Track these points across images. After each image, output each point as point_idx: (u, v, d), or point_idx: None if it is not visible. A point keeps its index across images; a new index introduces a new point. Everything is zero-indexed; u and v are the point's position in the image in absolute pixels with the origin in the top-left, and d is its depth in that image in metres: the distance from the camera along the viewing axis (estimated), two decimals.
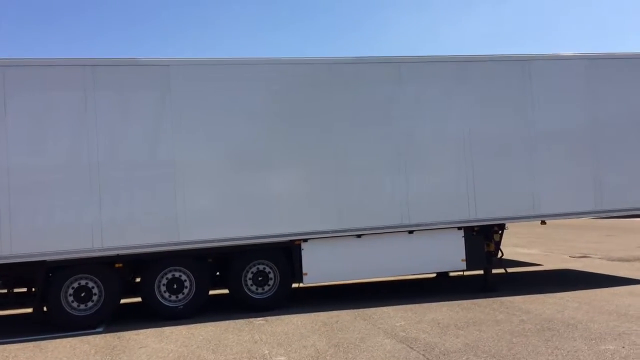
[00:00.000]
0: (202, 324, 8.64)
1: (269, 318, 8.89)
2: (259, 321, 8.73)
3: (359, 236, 9.78)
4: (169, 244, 9.00)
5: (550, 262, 14.36)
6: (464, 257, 10.17)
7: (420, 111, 10.10)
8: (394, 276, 10.31)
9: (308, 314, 8.99)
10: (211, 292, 9.64)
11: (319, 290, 11.06)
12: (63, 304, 8.81)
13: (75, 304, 8.87)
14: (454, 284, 11.70)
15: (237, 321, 8.75)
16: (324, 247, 9.65)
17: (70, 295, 8.86)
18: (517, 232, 22.77)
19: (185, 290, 9.25)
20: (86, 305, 8.91)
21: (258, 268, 9.58)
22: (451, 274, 12.16)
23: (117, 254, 8.87)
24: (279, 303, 9.59)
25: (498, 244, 10.63)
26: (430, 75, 10.23)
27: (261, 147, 9.46)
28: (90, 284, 8.93)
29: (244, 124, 9.43)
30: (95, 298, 8.93)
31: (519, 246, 18.43)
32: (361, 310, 9.15)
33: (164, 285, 9.19)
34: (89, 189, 8.77)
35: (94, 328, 8.78)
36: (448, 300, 9.56)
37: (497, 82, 10.44)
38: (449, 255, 10.14)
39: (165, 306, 9.15)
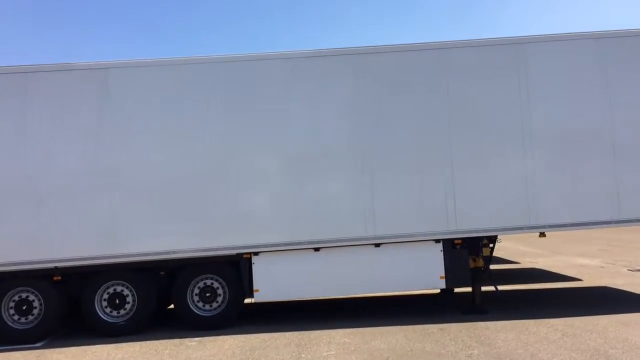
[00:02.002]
0: (130, 344, 8.26)
1: (204, 339, 8.33)
2: (192, 342, 8.20)
3: (316, 249, 8.94)
4: (107, 257, 8.70)
5: (600, 276, 12.56)
6: (443, 274, 8.99)
7: (388, 106, 9.05)
8: (359, 294, 9.34)
9: (245, 336, 8.33)
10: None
11: (289, 304, 10.33)
12: (4, 316, 8.79)
13: (16, 317, 8.82)
14: (453, 302, 10.45)
15: (169, 341, 8.28)
16: (277, 261, 8.91)
17: (11, 308, 8.82)
18: (592, 239, 20.70)
19: (128, 306, 8.91)
20: (26, 319, 8.83)
21: (205, 283, 9.03)
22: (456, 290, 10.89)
23: (55, 267, 8.71)
24: (229, 321, 8.99)
25: (488, 259, 9.32)
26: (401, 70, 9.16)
27: (208, 153, 8.89)
28: (31, 297, 8.84)
29: (190, 128, 8.91)
30: (35, 312, 8.83)
31: (582, 255, 16.51)
32: (308, 332, 8.36)
33: (104, 300, 8.90)
34: (26, 198, 8.67)
35: (34, 343, 8.69)
36: (416, 324, 8.50)
37: (483, 72, 9.14)
38: (424, 272, 9.00)
39: (106, 322, 8.86)
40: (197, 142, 8.87)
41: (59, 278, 8.81)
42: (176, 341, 8.28)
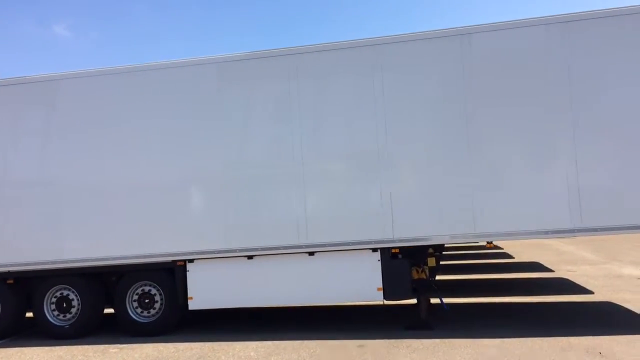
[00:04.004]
0: (59, 347, 8.68)
1: (130, 346, 8.56)
2: (114, 349, 8.45)
3: (250, 257, 8.82)
4: (53, 262, 9.18)
5: (622, 289, 11.24)
6: (380, 286, 8.50)
7: (323, 109, 8.73)
8: (295, 304, 9.03)
9: (166, 344, 8.48)
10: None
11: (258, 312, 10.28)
12: None
13: None
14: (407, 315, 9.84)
15: (96, 347, 8.62)
16: (211, 269, 8.92)
17: None
18: None
19: (73, 310, 9.34)
20: None
21: (144, 290, 9.25)
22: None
23: (8, 271, 9.33)
24: (166, 328, 9.15)
25: (434, 269, 8.68)
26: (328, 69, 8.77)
27: (143, 161, 9.07)
28: None
29: (128, 137, 9.15)
30: None
31: (630, 263, 14.87)
32: (224, 343, 8.35)
33: (52, 303, 9.40)
34: None
35: None
36: (339, 339, 8.18)
37: (427, 68, 8.53)
38: (361, 283, 8.55)
39: (53, 325, 9.37)
40: (134, 151, 9.09)
41: (12, 281, 9.41)
42: (102, 347, 8.58)
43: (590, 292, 11.07)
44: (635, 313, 8.98)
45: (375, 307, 10.23)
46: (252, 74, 8.92)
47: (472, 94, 8.33)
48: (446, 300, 9.08)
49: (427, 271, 8.61)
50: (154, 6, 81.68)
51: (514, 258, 18.28)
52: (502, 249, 20.95)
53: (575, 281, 12.60)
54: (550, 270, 14.71)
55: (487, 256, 19.08)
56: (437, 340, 7.79)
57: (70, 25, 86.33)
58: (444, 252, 19.76)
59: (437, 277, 12.09)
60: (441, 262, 17.13)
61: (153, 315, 9.21)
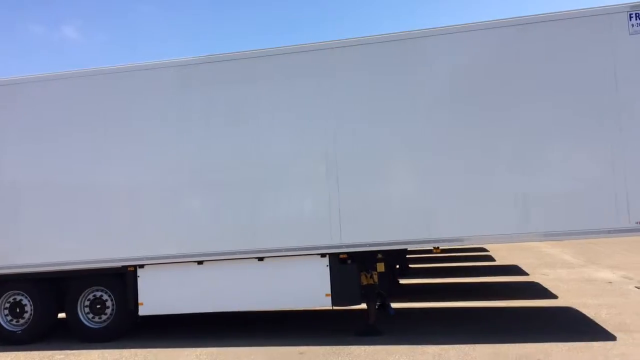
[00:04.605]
0: (2, 354, 8.68)
1: (76, 352, 8.60)
2: (60, 356, 8.47)
3: (200, 262, 8.82)
4: (8, 267, 9.23)
5: (590, 294, 11.16)
6: (329, 291, 8.48)
7: (274, 113, 8.70)
8: (245, 309, 9.02)
9: (112, 351, 8.51)
10: None
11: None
12: None
13: None
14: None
15: (43, 353, 8.65)
16: (161, 274, 8.93)
17: None
18: None
19: (26, 315, 9.37)
20: None
21: (95, 295, 9.26)
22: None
23: None
24: (117, 334, 9.17)
25: (384, 275, 8.64)
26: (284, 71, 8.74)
27: (94, 166, 9.08)
28: None
29: (82, 141, 9.16)
30: None
31: (616, 267, 14.75)
32: (164, 350, 8.44)
33: (5, 308, 9.43)
34: None
35: None
36: (284, 345, 8.20)
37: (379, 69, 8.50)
38: (309, 288, 8.54)
39: (6, 330, 9.41)
40: (84, 155, 9.11)
41: None
42: (49, 353, 8.61)
43: (555, 297, 11.01)
44: (589, 319, 8.91)
45: (333, 311, 10.18)
46: (213, 78, 8.93)
47: (426, 99, 8.30)
48: (409, 305, 9.07)
49: (375, 277, 8.57)
50: (160, 7, 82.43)
51: (495, 261, 18.20)
52: (487, 251, 20.86)
53: (544, 285, 12.52)
54: (526, 274, 14.63)
55: (469, 259, 19.02)
56: (379, 347, 7.77)
57: (79, 27, 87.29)
58: (431, 255, 19.99)
59: (419, 281, 12.17)
60: (423, 266, 17.28)
61: (104, 321, 9.22)
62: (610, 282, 12.55)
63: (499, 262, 17.93)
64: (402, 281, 14.12)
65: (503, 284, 13.33)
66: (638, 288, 11.63)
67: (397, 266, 14.86)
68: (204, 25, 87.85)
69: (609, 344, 7.40)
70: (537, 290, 11.95)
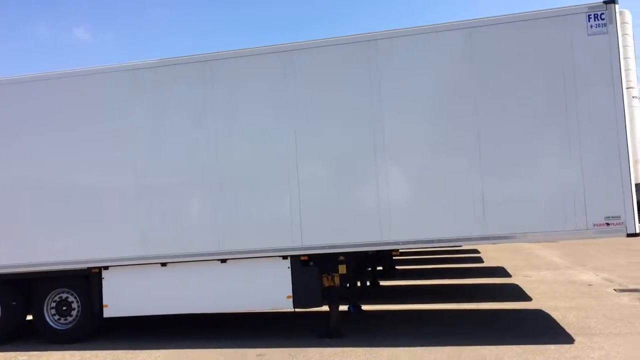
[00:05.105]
0: None
1: (38, 354, 8.69)
2: (22, 357, 8.53)
3: (163, 264, 8.85)
4: None
5: (566, 296, 11.11)
6: (290, 293, 8.49)
7: (235, 116, 8.73)
8: (208, 311, 9.07)
9: (73, 352, 8.61)
10: None
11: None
12: None
13: None
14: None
15: (4, 354, 8.76)
16: (125, 276, 8.97)
17: None
18: None
19: None
20: None
21: (61, 297, 9.32)
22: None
23: None
24: (83, 335, 9.24)
25: (345, 277, 8.65)
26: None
27: (62, 168, 9.13)
28: None
29: (43, 143, 9.22)
30: None
31: (599, 270, 14.65)
32: (126, 351, 8.51)
33: None
34: None
35: None
36: (241, 347, 8.27)
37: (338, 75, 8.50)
38: (271, 291, 8.55)
39: None
40: (47, 157, 9.17)
41: None
42: (12, 354, 8.70)
43: (529, 299, 10.97)
44: (555, 322, 8.87)
45: (299, 313, 10.18)
46: (165, 80, 8.97)
47: (382, 101, 8.29)
48: (382, 307, 9.07)
49: (336, 279, 8.57)
50: (169, 6, 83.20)
51: (483, 262, 18.16)
52: (478, 252, 20.80)
53: (523, 287, 12.47)
54: (509, 276, 14.58)
55: (458, 261, 19.00)
56: (337, 349, 7.78)
57: (89, 28, 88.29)
58: (419, 257, 19.96)
59: (401, 283, 12.20)
60: (410, 267, 17.25)
61: (70, 323, 9.29)
62: (590, 284, 12.48)
63: (486, 263, 17.89)
64: (384, 283, 14.14)
65: (483, 285, 13.31)
66: (616, 290, 11.56)
67: (381, 268, 14.92)
68: (213, 23, 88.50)
69: (565, 347, 7.37)
70: (514, 293, 11.92)
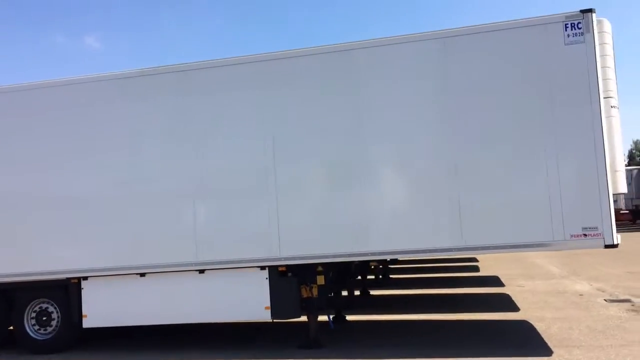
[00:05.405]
0: None
1: None
2: None
3: (142, 275, 8.84)
4: None
5: (554, 307, 11.00)
6: (268, 304, 8.44)
7: (212, 125, 8.72)
8: (186, 322, 9.05)
9: None
10: None
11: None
12: None
13: None
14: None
15: None
16: (104, 286, 8.96)
17: None
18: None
19: None
20: None
21: (41, 307, 9.32)
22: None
23: None
24: (63, 346, 9.22)
25: (324, 287, 8.58)
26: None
27: (39, 179, 9.13)
28: None
29: (21, 153, 9.23)
30: None
31: (594, 279, 14.51)
32: None
33: None
34: None
35: None
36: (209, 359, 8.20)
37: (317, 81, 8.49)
38: (249, 301, 8.49)
39: None
40: (25, 167, 9.20)
41: None
42: None
43: (516, 310, 10.86)
44: (537, 333, 8.75)
45: (278, 324, 10.13)
46: (144, 90, 8.98)
47: (359, 106, 8.27)
48: (367, 317, 9.01)
49: (315, 290, 8.51)
50: (180, 16, 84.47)
51: (478, 271, 18.06)
52: (477, 261, 20.67)
53: (514, 297, 12.37)
54: (502, 285, 14.47)
55: (455, 269, 18.91)
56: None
57: (101, 37, 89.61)
58: (415, 266, 19.86)
59: (393, 292, 12.13)
60: (404, 276, 17.15)
61: (49, 333, 9.27)
62: (582, 295, 12.36)
63: (482, 272, 17.79)
64: (375, 292, 14.06)
65: (474, 295, 13.22)
66: (606, 301, 11.44)
67: (372, 277, 14.84)
68: (223, 31, 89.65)
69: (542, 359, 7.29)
70: (503, 303, 11.81)
